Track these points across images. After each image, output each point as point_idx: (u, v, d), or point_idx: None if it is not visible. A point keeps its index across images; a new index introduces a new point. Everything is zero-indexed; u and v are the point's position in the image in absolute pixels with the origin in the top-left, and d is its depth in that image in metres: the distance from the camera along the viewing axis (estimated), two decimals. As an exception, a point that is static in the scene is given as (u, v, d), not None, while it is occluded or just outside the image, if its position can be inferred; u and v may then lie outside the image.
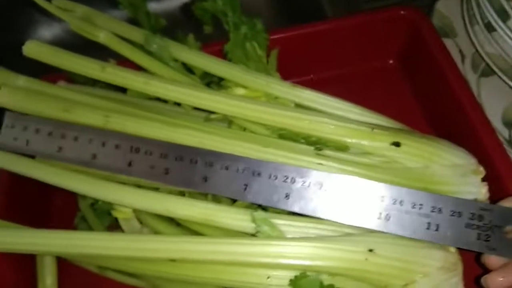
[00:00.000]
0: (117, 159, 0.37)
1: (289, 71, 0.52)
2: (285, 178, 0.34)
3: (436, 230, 0.32)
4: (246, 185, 0.34)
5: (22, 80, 0.42)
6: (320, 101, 0.41)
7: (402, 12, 0.49)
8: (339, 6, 0.62)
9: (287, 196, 0.34)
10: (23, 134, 0.39)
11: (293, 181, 0.34)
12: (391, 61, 0.55)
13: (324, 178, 0.34)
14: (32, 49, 0.40)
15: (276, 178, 0.34)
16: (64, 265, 0.44)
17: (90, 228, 0.44)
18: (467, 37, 0.44)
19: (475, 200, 0.36)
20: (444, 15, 0.48)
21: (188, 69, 0.45)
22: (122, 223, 0.41)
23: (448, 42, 0.47)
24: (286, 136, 0.40)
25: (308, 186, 0.34)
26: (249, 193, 0.34)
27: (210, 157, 0.36)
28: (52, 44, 0.42)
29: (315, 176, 0.34)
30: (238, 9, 0.45)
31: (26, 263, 0.43)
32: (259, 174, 0.35)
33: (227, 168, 0.35)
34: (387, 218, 0.33)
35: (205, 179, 0.35)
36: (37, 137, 0.38)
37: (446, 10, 0.48)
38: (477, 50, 0.43)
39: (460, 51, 0.47)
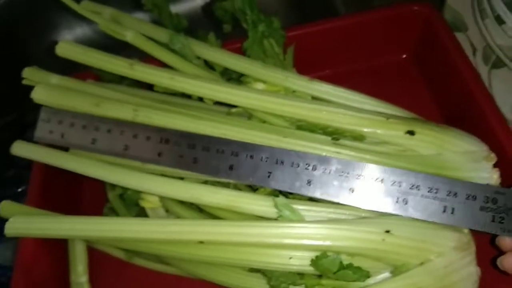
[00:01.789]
0: (148, 150, 0.39)
1: (306, 67, 0.54)
2: (306, 165, 0.36)
3: (452, 213, 0.34)
4: (270, 172, 0.36)
5: (55, 79, 0.44)
6: (336, 93, 0.43)
7: (415, 8, 0.51)
8: (351, 4, 0.64)
9: (309, 182, 0.36)
10: (59, 127, 0.42)
11: (314, 168, 0.36)
12: (404, 55, 0.56)
13: (344, 165, 0.36)
14: (64, 48, 0.43)
15: (298, 165, 0.36)
16: (95, 253, 0.46)
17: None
18: (477, 30, 0.46)
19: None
20: (455, 10, 0.50)
21: (210, 66, 0.47)
22: (149, 212, 0.44)
23: (459, 36, 0.49)
24: (304, 127, 0.41)
25: (329, 173, 0.36)
26: (272, 179, 0.36)
27: (236, 147, 0.38)
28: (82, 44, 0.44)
29: (335, 163, 0.36)
30: (256, 8, 0.47)
31: (60, 252, 0.45)
32: (282, 163, 0.37)
33: (252, 157, 0.37)
34: (405, 202, 0.35)
35: (231, 167, 0.37)
36: (72, 130, 0.41)
37: (456, 5, 0.49)
38: (487, 43, 0.44)
39: (472, 44, 0.48)
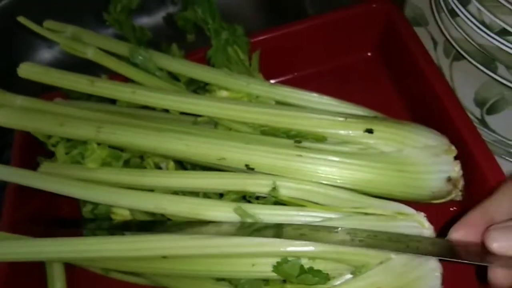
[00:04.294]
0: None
1: (273, 72, 0.55)
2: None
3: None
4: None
5: (19, 100, 0.45)
6: (298, 96, 0.44)
7: (374, 5, 0.51)
8: (320, 3, 0.65)
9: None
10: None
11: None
12: (369, 53, 0.57)
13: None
14: (26, 70, 0.43)
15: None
16: (72, 269, 0.46)
17: (94, 234, 0.47)
18: (436, 25, 0.46)
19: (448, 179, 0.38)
20: (415, 5, 0.50)
21: (175, 77, 0.48)
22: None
23: (421, 31, 0.49)
24: (268, 132, 0.42)
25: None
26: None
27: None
28: (50, 66, 0.45)
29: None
30: (218, 16, 0.47)
31: (37, 270, 0.45)
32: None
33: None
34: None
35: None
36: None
37: (417, 1, 0.50)
38: (445, 37, 0.45)
39: (432, 38, 0.48)
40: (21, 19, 0.44)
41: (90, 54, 0.44)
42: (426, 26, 0.49)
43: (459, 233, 0.30)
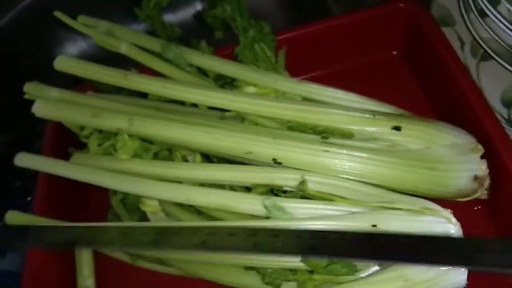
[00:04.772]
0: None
1: (298, 68, 0.56)
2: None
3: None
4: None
5: (54, 92, 0.46)
6: (324, 93, 0.44)
7: (401, 5, 0.52)
8: (344, 2, 0.65)
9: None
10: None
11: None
12: (394, 52, 0.57)
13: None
14: (62, 63, 0.45)
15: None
16: (100, 257, 0.48)
17: (121, 223, 0.48)
18: (464, 25, 0.46)
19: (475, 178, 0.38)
20: (443, 5, 0.50)
21: (203, 72, 0.49)
22: (150, 216, 0.45)
23: (448, 31, 0.49)
24: (295, 127, 0.43)
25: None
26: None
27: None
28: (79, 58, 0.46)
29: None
30: (246, 14, 0.48)
31: (67, 256, 0.47)
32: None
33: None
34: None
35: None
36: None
37: (444, 0, 0.50)
38: (473, 37, 0.45)
39: (459, 38, 0.49)
40: (58, 14, 0.46)
41: (124, 49, 0.45)
42: (453, 26, 0.49)
43: None
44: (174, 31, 0.51)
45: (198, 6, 0.70)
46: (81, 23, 0.48)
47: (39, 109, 0.45)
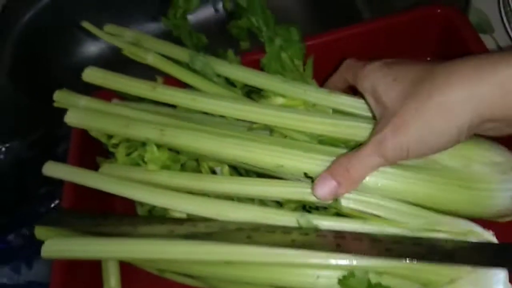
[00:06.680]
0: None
1: (328, 76, 0.54)
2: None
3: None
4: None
5: (83, 100, 0.46)
6: (356, 105, 0.43)
7: (438, 10, 0.50)
8: (375, 6, 0.63)
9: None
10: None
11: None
12: (428, 59, 0.55)
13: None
14: (89, 75, 0.45)
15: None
16: (127, 267, 0.48)
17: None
18: (504, 32, 0.44)
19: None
20: (481, 11, 0.48)
21: (230, 82, 0.48)
22: (177, 228, 0.45)
23: (485, 38, 0.47)
24: (326, 141, 0.41)
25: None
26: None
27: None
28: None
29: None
30: (272, 23, 0.47)
31: (93, 266, 0.47)
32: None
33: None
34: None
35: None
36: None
37: (482, 6, 0.48)
38: (515, 44, 0.43)
39: (498, 46, 0.47)
40: (86, 25, 0.45)
41: (150, 60, 0.45)
42: (491, 33, 0.47)
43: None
44: (200, 39, 0.50)
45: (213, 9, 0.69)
46: (108, 32, 0.48)
47: (72, 119, 0.45)
